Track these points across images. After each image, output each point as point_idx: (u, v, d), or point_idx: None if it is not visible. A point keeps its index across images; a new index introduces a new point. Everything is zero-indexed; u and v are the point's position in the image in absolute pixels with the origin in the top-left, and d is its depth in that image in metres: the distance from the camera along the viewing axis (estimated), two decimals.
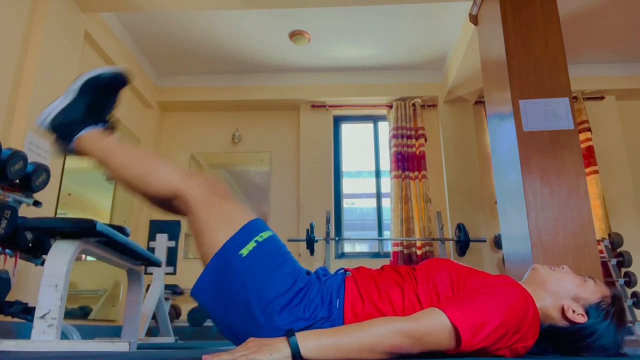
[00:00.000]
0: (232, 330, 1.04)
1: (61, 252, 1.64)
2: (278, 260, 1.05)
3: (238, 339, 1.03)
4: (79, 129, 1.27)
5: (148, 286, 3.40)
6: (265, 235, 1.08)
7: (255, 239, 1.06)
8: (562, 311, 1.05)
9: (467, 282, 1.04)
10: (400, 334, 0.88)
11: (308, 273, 1.11)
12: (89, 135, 1.26)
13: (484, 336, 0.91)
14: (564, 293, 1.07)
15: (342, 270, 1.13)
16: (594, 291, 1.07)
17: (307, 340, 0.86)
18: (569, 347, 1.05)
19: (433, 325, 0.90)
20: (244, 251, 1.03)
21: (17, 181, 2.18)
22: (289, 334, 0.87)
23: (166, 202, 1.17)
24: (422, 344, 0.90)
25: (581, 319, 1.04)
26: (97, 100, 1.30)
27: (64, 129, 1.27)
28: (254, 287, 1.00)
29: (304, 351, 0.84)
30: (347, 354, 0.86)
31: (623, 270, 4.10)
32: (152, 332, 4.07)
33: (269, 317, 0.98)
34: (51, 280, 1.59)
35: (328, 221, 4.35)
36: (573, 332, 1.04)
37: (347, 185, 4.99)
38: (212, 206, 1.10)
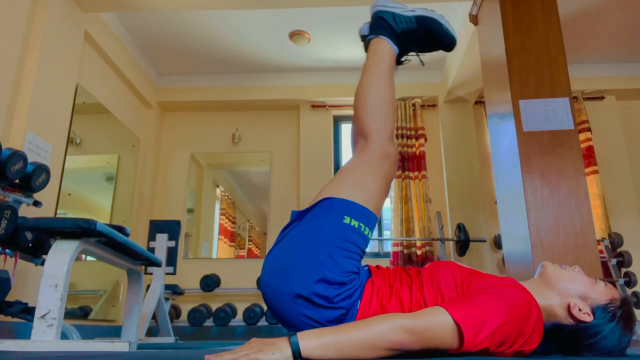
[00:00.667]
0: (285, 257, 1.09)
1: (61, 252, 1.64)
2: (354, 254, 1.10)
3: (278, 275, 1.08)
4: (387, 34, 1.35)
5: (148, 286, 3.40)
6: (367, 232, 1.14)
7: (362, 224, 1.12)
8: (569, 309, 1.05)
9: (472, 283, 1.05)
10: (401, 330, 0.89)
11: (358, 272, 1.15)
12: (387, 45, 1.34)
13: (487, 335, 0.91)
14: (572, 291, 1.07)
15: (367, 268, 1.18)
16: (603, 292, 1.07)
17: (308, 339, 0.86)
18: (572, 346, 1.05)
19: (435, 322, 0.91)
20: (348, 220, 1.10)
21: (17, 181, 2.18)
22: (290, 333, 0.87)
23: (358, 133, 1.27)
24: (424, 340, 0.90)
25: (587, 317, 1.03)
26: (418, 34, 1.37)
27: (381, 23, 1.37)
28: (326, 246, 1.07)
29: (304, 350, 0.85)
30: (348, 350, 0.87)
31: (623, 270, 4.10)
32: (152, 332, 4.07)
33: (312, 274, 1.04)
34: (51, 280, 1.59)
35: None
36: (577, 331, 1.04)
37: None
38: (371, 173, 1.18)
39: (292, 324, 1.07)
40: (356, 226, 1.10)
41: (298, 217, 1.15)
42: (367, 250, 5.03)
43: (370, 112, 1.25)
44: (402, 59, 1.42)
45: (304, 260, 1.06)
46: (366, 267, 1.17)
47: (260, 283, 1.13)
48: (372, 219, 1.14)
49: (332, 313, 1.04)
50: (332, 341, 0.87)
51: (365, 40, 1.40)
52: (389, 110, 1.27)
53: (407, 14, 1.35)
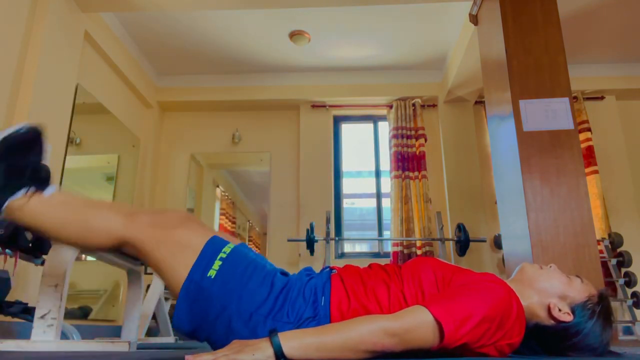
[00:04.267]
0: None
1: (61, 252, 1.64)
2: (249, 270, 1.04)
3: None
4: (4, 198, 1.14)
5: (148, 286, 3.40)
6: (227, 249, 1.06)
7: (219, 256, 1.04)
8: (549, 310, 1.05)
9: (452, 279, 1.05)
10: (383, 332, 0.88)
11: (284, 273, 1.10)
12: (15, 203, 1.14)
13: (467, 330, 0.91)
14: (551, 291, 1.07)
15: (328, 269, 1.13)
16: (580, 290, 1.08)
17: (290, 340, 0.86)
18: (556, 346, 1.05)
19: (416, 322, 0.90)
20: (212, 272, 1.02)
21: None
22: (272, 334, 0.87)
23: (117, 250, 1.12)
24: (406, 341, 0.90)
25: (567, 317, 1.04)
26: (14, 163, 1.18)
27: None
28: (233, 304, 0.99)
29: (286, 350, 0.84)
30: (329, 352, 0.87)
31: (623, 270, 4.10)
32: (152, 332, 4.07)
33: (254, 330, 0.98)
34: (51, 280, 1.59)
35: (328, 221, 4.34)
36: (559, 331, 1.04)
37: (347, 185, 4.99)
38: (164, 241, 1.05)
39: None
40: (221, 263, 1.03)
41: (180, 327, 1.05)
42: (368, 250, 5.02)
43: (86, 237, 1.10)
44: (38, 177, 1.21)
45: (240, 331, 0.98)
46: (327, 268, 1.14)
47: None
48: (214, 244, 1.06)
49: (304, 327, 0.99)
50: (313, 342, 0.86)
51: (3, 220, 1.22)
52: (87, 214, 1.11)
53: None
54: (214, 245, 1.06)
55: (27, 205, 1.14)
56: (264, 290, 1.02)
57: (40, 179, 1.21)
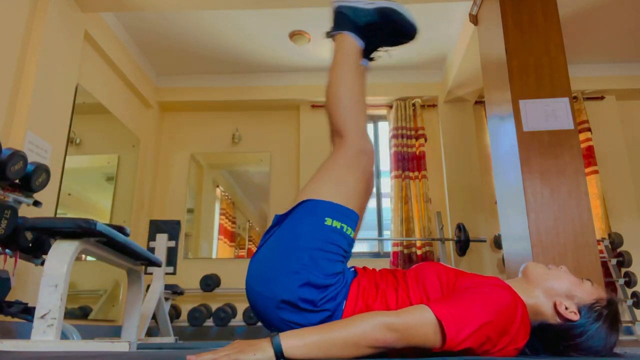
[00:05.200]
0: (268, 262, 1.08)
1: (61, 252, 1.64)
2: (337, 255, 1.09)
3: (263, 279, 1.07)
4: (349, 29, 1.33)
5: (148, 286, 3.41)
6: (349, 232, 1.12)
7: (343, 224, 1.10)
8: (555, 307, 1.04)
9: (457, 283, 1.05)
10: (384, 327, 0.88)
11: (342, 272, 1.13)
12: (351, 40, 1.33)
13: (469, 333, 0.90)
14: (559, 290, 1.07)
15: (353, 269, 1.16)
16: (589, 292, 1.07)
17: (291, 339, 0.86)
18: (558, 345, 1.04)
19: (417, 319, 0.90)
20: (329, 222, 1.09)
21: (17, 181, 2.18)
22: (272, 334, 0.87)
23: (333, 132, 1.26)
24: (406, 338, 0.90)
25: (573, 316, 1.03)
26: (380, 27, 1.34)
27: (342, 19, 1.35)
28: (308, 249, 1.05)
29: (287, 350, 0.85)
30: (331, 349, 0.87)
31: (623, 270, 4.10)
32: (152, 332, 4.07)
33: (295, 279, 1.03)
34: (51, 280, 1.59)
35: None
36: (563, 330, 1.03)
37: None
38: (350, 171, 1.16)
39: (275, 327, 1.07)
40: (338, 227, 1.09)
41: (279, 220, 1.14)
42: (368, 250, 5.02)
43: (342, 109, 1.23)
44: (371, 55, 1.40)
45: (287, 264, 1.04)
46: (352, 268, 1.17)
47: (245, 285, 1.12)
48: (353, 218, 1.13)
49: (317, 316, 1.03)
50: (315, 340, 0.87)
51: (329, 37, 1.39)
52: (360, 106, 1.26)
53: (367, 7, 1.33)
54: (352, 218, 1.13)
55: (349, 50, 1.32)
56: (326, 273, 1.05)
57: (370, 53, 1.40)
